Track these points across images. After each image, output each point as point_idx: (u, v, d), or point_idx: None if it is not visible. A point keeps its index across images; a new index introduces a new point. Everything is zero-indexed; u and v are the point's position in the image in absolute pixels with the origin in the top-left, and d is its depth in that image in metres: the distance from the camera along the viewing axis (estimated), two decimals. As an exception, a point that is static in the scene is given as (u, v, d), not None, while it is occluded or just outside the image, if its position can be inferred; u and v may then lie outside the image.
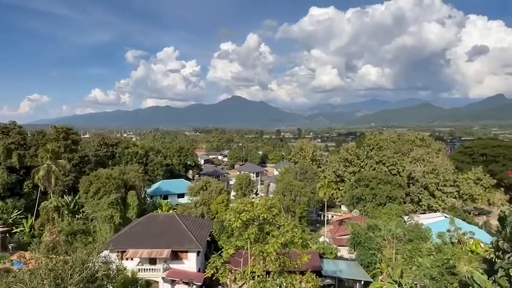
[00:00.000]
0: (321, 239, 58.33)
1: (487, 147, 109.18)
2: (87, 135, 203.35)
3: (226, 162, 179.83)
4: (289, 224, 23.91)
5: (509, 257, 11.51)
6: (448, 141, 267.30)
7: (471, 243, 32.82)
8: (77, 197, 62.23)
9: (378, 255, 41.65)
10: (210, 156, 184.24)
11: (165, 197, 77.41)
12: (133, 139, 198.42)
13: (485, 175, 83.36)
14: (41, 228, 52.73)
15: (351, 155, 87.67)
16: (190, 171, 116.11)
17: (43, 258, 21.67)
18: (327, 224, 72.49)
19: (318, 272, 37.55)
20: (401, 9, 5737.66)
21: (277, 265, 23.26)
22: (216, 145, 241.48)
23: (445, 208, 72.32)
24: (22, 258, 24.38)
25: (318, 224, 76.84)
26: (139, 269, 40.69)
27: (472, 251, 30.85)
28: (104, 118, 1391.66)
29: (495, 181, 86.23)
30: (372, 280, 38.43)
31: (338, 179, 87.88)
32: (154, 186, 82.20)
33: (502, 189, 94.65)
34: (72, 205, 59.67)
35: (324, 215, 75.77)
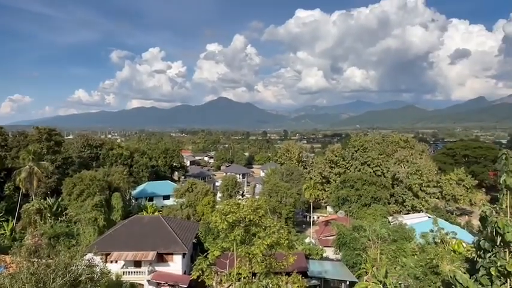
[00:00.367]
0: (307, 240, 58.57)
1: (468, 148, 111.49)
2: (70, 136, 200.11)
3: (213, 163, 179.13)
4: (275, 225, 23.92)
5: (490, 256, 11.74)
6: (431, 142, 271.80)
7: (453, 243, 33.30)
8: (59, 199, 61.07)
9: (363, 256, 42.02)
10: (196, 158, 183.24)
11: (151, 199, 76.62)
12: (118, 140, 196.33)
13: (467, 176, 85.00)
14: (23, 231, 51.68)
15: (336, 156, 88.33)
16: (176, 173, 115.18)
17: (24, 262, 21.20)
18: (312, 225, 72.86)
19: (304, 273, 37.74)
20: (385, 13, 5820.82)
21: (263, 266, 23.26)
22: (202, 146, 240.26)
23: (429, 208, 73.46)
24: (3, 262, 23.83)
25: (304, 225, 77.14)
26: (124, 272, 40.19)
27: (454, 251, 31.33)
28: (88, 119, 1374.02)
29: (477, 182, 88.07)
30: (357, 280, 38.76)
31: (324, 180, 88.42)
32: (140, 188, 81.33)
33: (483, 189, 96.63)
34: (55, 207, 58.55)
35: (310, 216, 76.14)
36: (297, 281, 23.91)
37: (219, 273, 23.96)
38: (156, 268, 41.92)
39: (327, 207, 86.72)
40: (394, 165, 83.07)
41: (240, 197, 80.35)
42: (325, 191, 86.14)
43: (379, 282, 13.26)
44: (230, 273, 23.47)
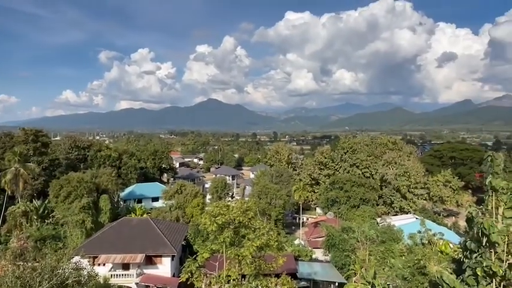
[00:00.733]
0: (296, 242, 58.68)
1: (455, 150, 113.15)
2: (57, 138, 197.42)
3: (202, 165, 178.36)
4: (264, 227, 23.92)
5: (476, 257, 11.90)
6: (419, 144, 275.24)
7: (441, 243, 33.73)
8: (46, 202, 60.10)
9: (352, 257, 42.26)
10: (186, 159, 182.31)
11: (139, 201, 75.96)
12: (107, 142, 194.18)
13: (453, 177, 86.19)
14: (8, 234, 50.74)
15: (325, 158, 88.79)
16: (165, 175, 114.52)
17: (10, 266, 20.87)
18: (302, 226, 73.08)
19: (293, 275, 37.75)
20: (374, 16, 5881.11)
21: (253, 268, 23.22)
22: (191, 148, 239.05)
23: (416, 210, 74.23)
24: (-13, 266, 23.39)
25: (293, 227, 77.28)
26: (111, 275, 39.77)
27: (441, 252, 31.72)
28: (76, 120, 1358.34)
29: (463, 183, 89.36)
30: (346, 281, 38.94)
31: (313, 182, 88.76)
32: (128, 189, 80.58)
33: (470, 191, 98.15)
34: (41, 210, 57.63)
35: (299, 218, 76.34)
36: (286, 283, 23.89)
37: (208, 275, 23.85)
38: (145, 271, 41.56)
39: (316, 208, 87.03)
40: (383, 167, 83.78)
41: (230, 198, 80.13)
42: (314, 192, 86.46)
43: (367, 283, 13.34)
44: (219, 276, 23.37)
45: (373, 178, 79.79)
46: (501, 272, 11.27)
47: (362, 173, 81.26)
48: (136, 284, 40.32)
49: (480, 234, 11.70)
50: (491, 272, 11.43)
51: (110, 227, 47.12)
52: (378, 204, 75.17)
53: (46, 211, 58.13)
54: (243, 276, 24.19)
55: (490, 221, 11.62)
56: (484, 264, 11.53)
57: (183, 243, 48.03)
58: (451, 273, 13.78)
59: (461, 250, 14.14)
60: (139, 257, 40.37)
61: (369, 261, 38.97)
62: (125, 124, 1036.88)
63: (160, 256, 42.37)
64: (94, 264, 37.52)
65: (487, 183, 12.27)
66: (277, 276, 24.62)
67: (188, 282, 23.59)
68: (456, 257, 21.05)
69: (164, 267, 42.12)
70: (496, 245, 11.57)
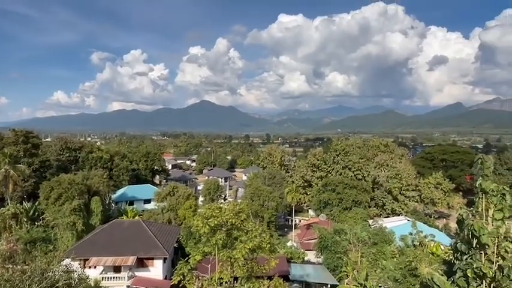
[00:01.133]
0: (289, 244, 58.74)
1: (446, 153, 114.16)
2: (48, 139, 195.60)
3: (195, 167, 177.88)
4: (257, 229, 23.90)
5: (466, 258, 12.01)
6: (411, 147, 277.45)
7: (432, 245, 33.95)
8: (36, 204, 59.52)
9: (344, 259, 42.38)
10: (178, 161, 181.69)
11: (131, 203, 75.55)
12: (98, 143, 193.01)
13: (444, 180, 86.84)
14: (-3, 237, 50.03)
15: (318, 160, 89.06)
16: (158, 176, 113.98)
17: (-1, 269, 20.59)
18: (294, 228, 73.15)
19: (286, 277, 37.76)
20: (366, 19, 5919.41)
21: (245, 271, 23.19)
22: (184, 150, 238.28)
23: (408, 212, 74.67)
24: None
25: (286, 229, 77.34)
26: (102, 278, 39.38)
27: (432, 253, 31.92)
28: (68, 121, 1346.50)
29: (454, 185, 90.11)
30: (338, 283, 39.04)
31: (306, 184, 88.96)
32: (120, 191, 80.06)
33: (461, 193, 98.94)
34: (31, 212, 57.02)
35: (292, 220, 76.44)
36: (279, 285, 23.90)
37: (200, 277, 23.75)
38: (136, 273, 41.25)
39: (309, 210, 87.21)
40: (375, 169, 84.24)
41: (222, 200, 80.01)
42: (307, 194, 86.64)
43: (359, 285, 13.39)
44: (211, 278, 23.30)
45: (365, 180, 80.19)
46: (491, 273, 11.38)
47: (354, 175, 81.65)
48: (128, 286, 39.98)
49: (470, 236, 11.80)
50: (481, 274, 11.53)
51: (101, 229, 46.73)
52: (369, 206, 75.52)
53: (36, 213, 57.53)
54: (235, 278, 24.15)
55: (480, 223, 11.73)
56: (474, 266, 11.63)
57: (175, 245, 47.78)
58: (442, 275, 13.88)
59: (452, 252, 14.26)
60: (131, 260, 40.08)
61: (361, 263, 39.11)
62: (116, 125, 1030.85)
63: (152, 258, 42.08)
64: (85, 267, 37.15)
65: (477, 185, 12.39)
66: (270, 278, 24.62)
67: (180, 285, 23.48)
68: (447, 258, 21.20)
69: (156, 270, 41.84)
70: (486, 247, 11.68)
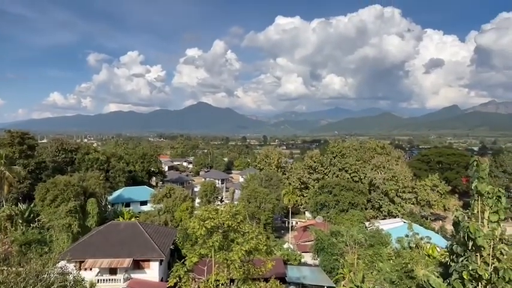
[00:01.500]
0: (286, 246, 58.69)
1: (442, 155, 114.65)
2: (44, 140, 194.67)
3: (191, 168, 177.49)
4: (253, 231, 23.86)
5: (462, 260, 12.03)
6: (407, 149, 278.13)
7: (428, 247, 34.04)
8: (32, 205, 59.14)
9: (341, 261, 42.43)
10: (175, 163, 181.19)
11: (127, 205, 75.23)
12: (95, 145, 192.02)
13: (441, 182, 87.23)
14: (-8, 239, 49.69)
15: (315, 162, 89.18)
16: (154, 178, 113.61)
17: (-7, 271, 20.42)
18: (291, 230, 73.12)
19: (282, 279, 37.72)
20: (363, 22, 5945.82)
21: (242, 273, 23.12)
22: (181, 151, 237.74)
23: (404, 214, 74.91)
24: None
25: (282, 231, 77.30)
26: (98, 280, 39.19)
27: (428, 255, 32.00)
28: (64, 123, 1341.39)
29: (450, 187, 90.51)
30: (334, 285, 39.11)
31: (302, 186, 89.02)
32: (116, 193, 79.76)
33: (457, 195, 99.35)
34: (27, 213, 56.63)
35: (289, 222, 76.41)
36: (275, 287, 23.87)
37: (196, 280, 23.67)
38: (132, 275, 41.08)
39: (306, 212, 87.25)
40: (371, 171, 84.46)
41: (219, 202, 79.89)
42: (303, 196, 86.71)
43: (356, 287, 13.39)
44: (208, 280, 23.22)
45: (361, 182, 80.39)
46: (487, 275, 11.41)
47: (351, 177, 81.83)
48: (124, 288, 39.84)
49: (466, 238, 11.83)
50: (477, 276, 11.56)
51: (97, 231, 46.50)
52: (366, 208, 75.70)
53: (32, 215, 57.14)
54: (232, 280, 24.08)
55: (476, 225, 11.76)
56: (470, 268, 11.66)
57: (171, 247, 47.63)
58: (438, 277, 13.89)
59: (448, 254, 14.28)
60: (127, 262, 39.92)
61: (357, 265, 39.16)
62: (113, 127, 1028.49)
63: (148, 260, 41.94)
64: (80, 269, 36.99)
65: (473, 187, 12.41)
66: (266, 280, 24.57)
67: (176, 287, 23.40)
68: (443, 260, 21.23)
69: (152, 272, 41.69)
70: (482, 249, 11.71)
